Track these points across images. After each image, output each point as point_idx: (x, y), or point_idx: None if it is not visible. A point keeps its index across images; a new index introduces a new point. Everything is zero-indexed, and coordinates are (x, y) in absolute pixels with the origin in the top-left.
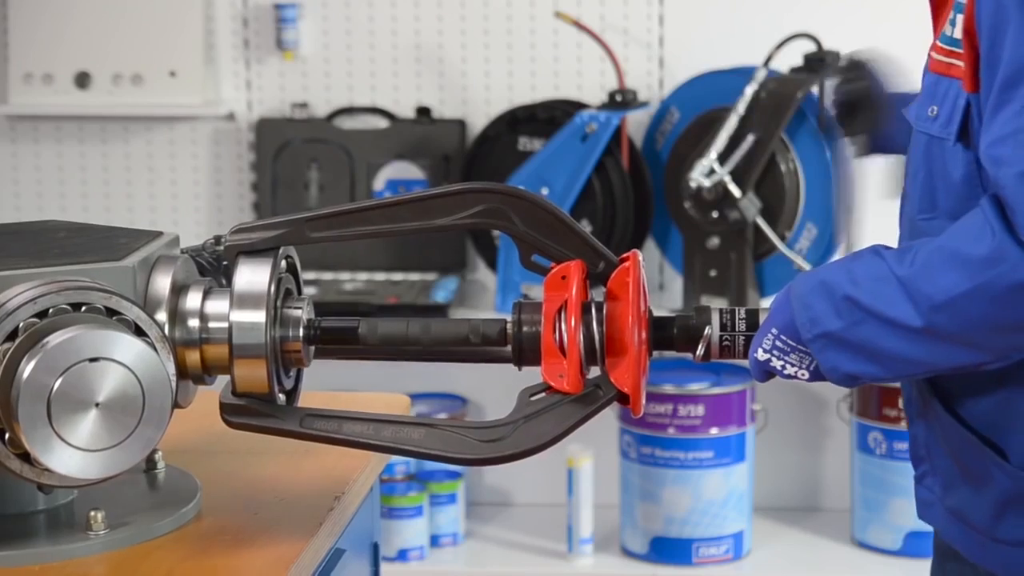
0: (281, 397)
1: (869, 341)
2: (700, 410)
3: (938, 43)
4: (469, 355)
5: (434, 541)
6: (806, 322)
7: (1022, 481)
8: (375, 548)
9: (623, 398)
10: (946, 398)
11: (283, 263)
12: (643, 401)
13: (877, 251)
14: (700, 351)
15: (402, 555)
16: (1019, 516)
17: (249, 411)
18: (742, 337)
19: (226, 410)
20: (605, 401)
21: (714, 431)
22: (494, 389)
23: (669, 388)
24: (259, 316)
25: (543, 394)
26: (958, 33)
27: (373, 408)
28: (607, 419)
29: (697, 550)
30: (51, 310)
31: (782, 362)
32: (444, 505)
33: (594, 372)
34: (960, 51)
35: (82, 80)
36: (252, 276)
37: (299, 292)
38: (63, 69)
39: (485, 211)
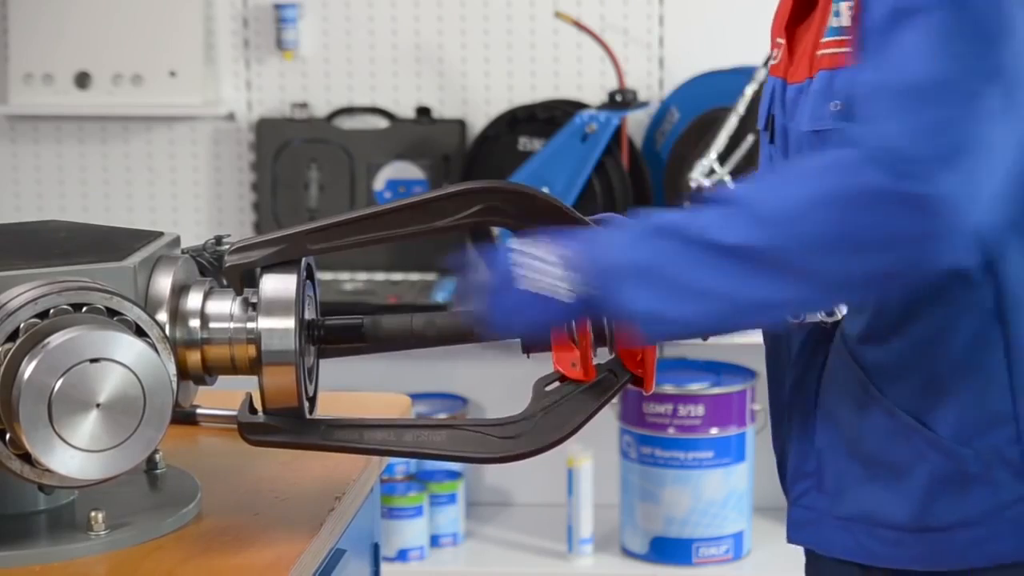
0: (306, 404)
1: (679, 272)
2: (700, 410)
3: (824, 39)
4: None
5: (434, 541)
6: (602, 253)
7: (956, 457)
8: (375, 548)
9: (636, 380)
10: (879, 385)
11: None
12: (655, 379)
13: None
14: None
15: (402, 555)
16: (953, 495)
17: (269, 428)
18: None
19: (246, 429)
20: (620, 385)
21: (714, 431)
22: (494, 388)
23: (669, 388)
24: (288, 323)
25: (557, 383)
26: (846, 20)
27: (374, 408)
28: (607, 419)
29: (697, 550)
30: (52, 311)
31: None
32: (444, 505)
33: (602, 351)
34: (847, 37)
35: (82, 80)
36: (278, 283)
37: (316, 297)
38: (63, 69)
39: (485, 210)
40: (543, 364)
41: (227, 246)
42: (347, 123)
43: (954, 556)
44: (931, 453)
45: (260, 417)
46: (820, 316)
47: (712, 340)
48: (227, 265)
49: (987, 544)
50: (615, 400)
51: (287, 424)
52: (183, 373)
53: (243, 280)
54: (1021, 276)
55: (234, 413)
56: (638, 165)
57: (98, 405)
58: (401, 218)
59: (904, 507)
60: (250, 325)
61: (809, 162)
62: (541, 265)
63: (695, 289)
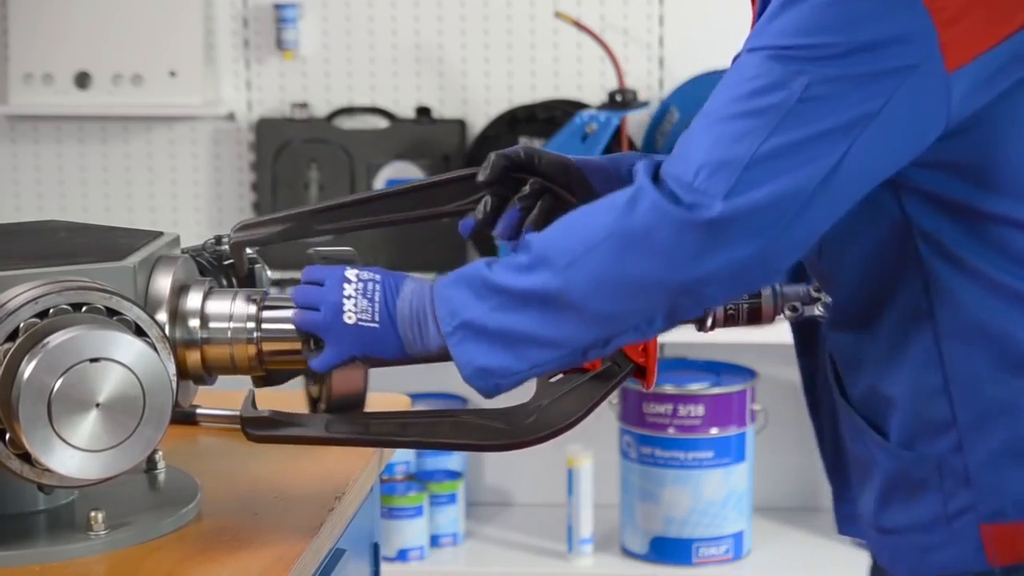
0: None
1: (505, 324)
2: (700, 410)
3: None
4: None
5: (434, 541)
6: (446, 315)
7: (902, 462)
8: (375, 548)
9: (639, 370)
10: (842, 388)
11: None
12: (656, 373)
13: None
14: (709, 323)
15: (402, 555)
16: (904, 499)
17: (272, 423)
18: (745, 305)
19: (249, 424)
20: (623, 376)
21: (714, 431)
22: None
23: (669, 388)
24: None
25: (561, 374)
26: None
27: (373, 408)
28: (607, 419)
29: (697, 550)
30: (52, 310)
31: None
32: (444, 505)
33: None
34: None
35: (82, 80)
36: None
37: None
38: (63, 69)
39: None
40: None
41: (227, 246)
42: (347, 123)
43: (911, 561)
44: (880, 455)
45: (264, 412)
46: (817, 311)
47: (712, 340)
48: (232, 241)
49: (935, 552)
50: (615, 400)
51: (290, 419)
52: (183, 373)
53: (246, 257)
54: (956, 290)
55: (234, 413)
56: None
57: (98, 405)
58: (406, 201)
59: (870, 505)
60: (249, 324)
61: (609, 199)
62: (366, 301)
63: (518, 338)
